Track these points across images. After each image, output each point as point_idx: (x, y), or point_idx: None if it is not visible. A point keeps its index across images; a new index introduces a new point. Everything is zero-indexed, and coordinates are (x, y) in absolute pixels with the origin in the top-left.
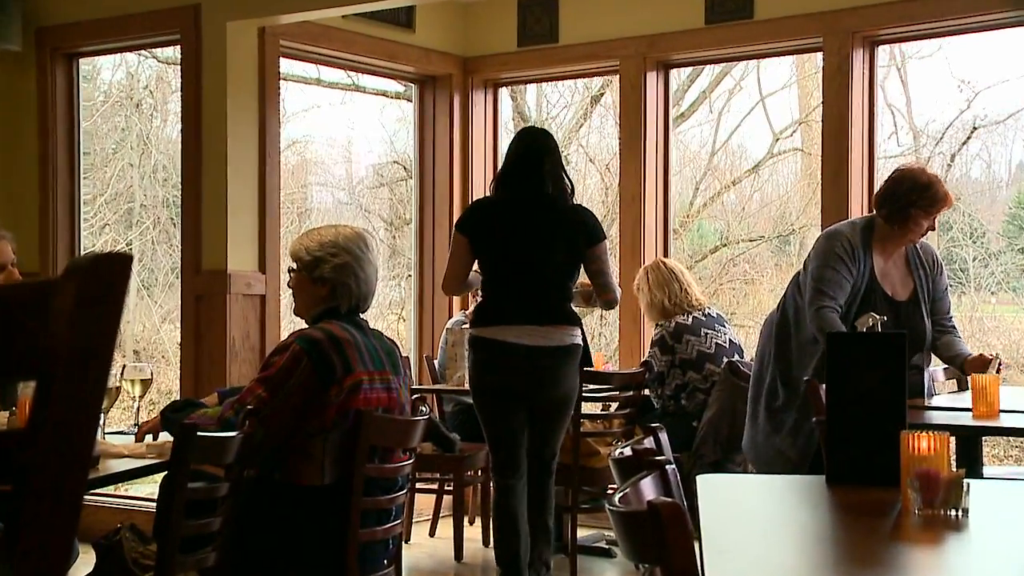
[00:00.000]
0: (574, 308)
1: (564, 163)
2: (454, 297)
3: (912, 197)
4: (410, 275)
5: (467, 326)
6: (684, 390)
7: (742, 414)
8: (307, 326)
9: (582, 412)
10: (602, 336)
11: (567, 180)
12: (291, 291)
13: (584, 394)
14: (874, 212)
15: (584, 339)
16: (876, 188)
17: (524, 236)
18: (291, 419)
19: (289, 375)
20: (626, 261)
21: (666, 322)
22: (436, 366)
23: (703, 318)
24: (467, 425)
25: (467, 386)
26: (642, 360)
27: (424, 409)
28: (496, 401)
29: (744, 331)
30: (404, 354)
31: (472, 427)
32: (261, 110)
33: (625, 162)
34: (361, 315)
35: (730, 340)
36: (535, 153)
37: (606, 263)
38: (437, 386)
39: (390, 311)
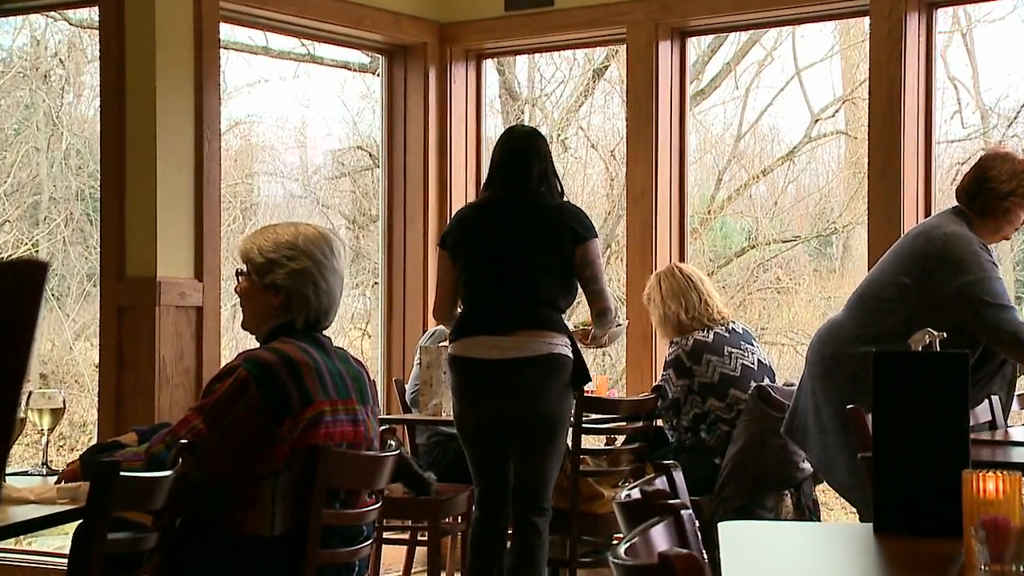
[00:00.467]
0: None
1: (555, 167)
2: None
3: (1011, 185)
4: (376, 283)
5: (445, 343)
6: (704, 420)
7: (774, 449)
8: (257, 345)
9: (582, 447)
10: (606, 356)
11: (558, 185)
12: (238, 299)
13: (584, 425)
14: (956, 205)
15: (576, 352)
16: (934, 178)
17: (501, 237)
18: (235, 458)
19: (233, 405)
20: (634, 267)
21: (682, 339)
22: (407, 391)
23: (726, 334)
24: (444, 461)
25: (444, 415)
26: (654, 385)
27: (393, 443)
28: (470, 433)
29: (776, 350)
30: (371, 378)
31: (451, 464)
32: (198, 84)
33: (633, 148)
34: (322, 332)
35: (759, 360)
36: (521, 157)
37: (599, 268)
38: (408, 415)
39: (352, 325)
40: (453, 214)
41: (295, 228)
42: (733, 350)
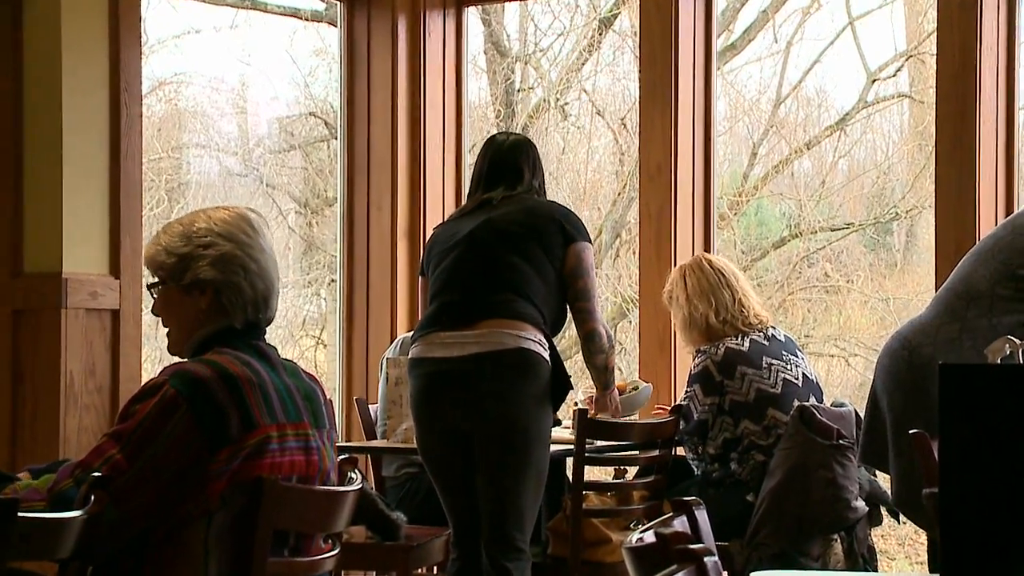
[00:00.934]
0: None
1: (545, 178)
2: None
3: None
4: (333, 280)
5: None
6: (735, 448)
7: (820, 483)
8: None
9: (584, 481)
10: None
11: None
12: (159, 319)
13: (588, 454)
14: None
15: (556, 355)
16: (1017, 151)
17: (475, 225)
18: (160, 495)
19: (158, 431)
20: (649, 261)
21: (711, 347)
22: (372, 413)
23: (765, 342)
24: (417, 499)
25: (415, 440)
26: (674, 404)
27: (355, 476)
28: (435, 458)
29: (823, 362)
30: (327, 396)
31: (424, 502)
32: (113, 35)
33: (648, 116)
34: (264, 338)
35: (804, 375)
36: (507, 171)
37: (593, 281)
38: (373, 443)
39: (304, 333)
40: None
41: (203, 214)
42: (773, 361)
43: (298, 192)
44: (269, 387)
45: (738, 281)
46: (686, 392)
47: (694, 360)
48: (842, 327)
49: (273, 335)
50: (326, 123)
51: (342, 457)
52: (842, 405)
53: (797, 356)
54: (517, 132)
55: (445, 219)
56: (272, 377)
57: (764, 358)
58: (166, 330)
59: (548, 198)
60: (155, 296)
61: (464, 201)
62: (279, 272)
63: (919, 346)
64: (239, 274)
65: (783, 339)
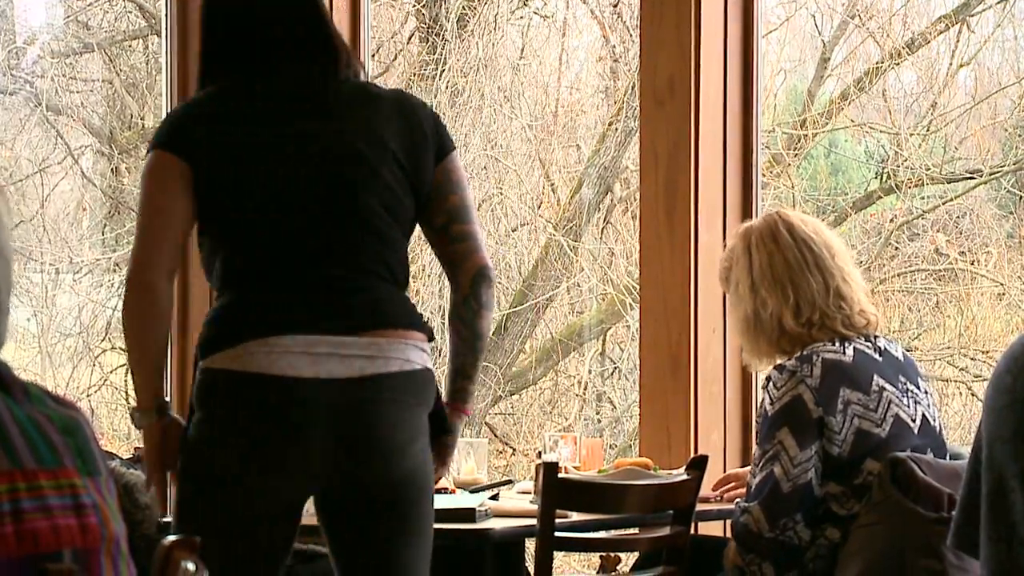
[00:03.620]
0: None
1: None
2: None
3: None
4: None
5: None
6: (810, 518)
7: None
8: None
9: (552, 574)
10: (603, 399)
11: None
12: None
13: (559, 534)
14: None
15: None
16: None
17: (310, 145)
18: None
19: None
20: (653, 229)
21: (800, 363)
22: None
23: (877, 356)
24: None
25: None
26: (692, 457)
27: (192, 568)
28: (250, 524)
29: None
30: (102, 433)
31: None
32: None
33: (652, 6)
34: None
35: (924, 418)
36: (307, 17)
37: (469, 192)
38: None
39: (108, 345)
40: (176, 109)
41: None
42: (886, 386)
43: (98, 121)
44: (5, 419)
45: (835, 257)
46: (764, 449)
47: (770, 385)
48: (963, 334)
49: (54, 348)
50: (142, 9)
51: (173, 538)
52: (960, 457)
53: (919, 388)
54: None
55: (208, 93)
56: (9, 406)
57: (875, 378)
58: None
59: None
60: None
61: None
62: (11, 253)
63: None
64: None
65: (901, 357)
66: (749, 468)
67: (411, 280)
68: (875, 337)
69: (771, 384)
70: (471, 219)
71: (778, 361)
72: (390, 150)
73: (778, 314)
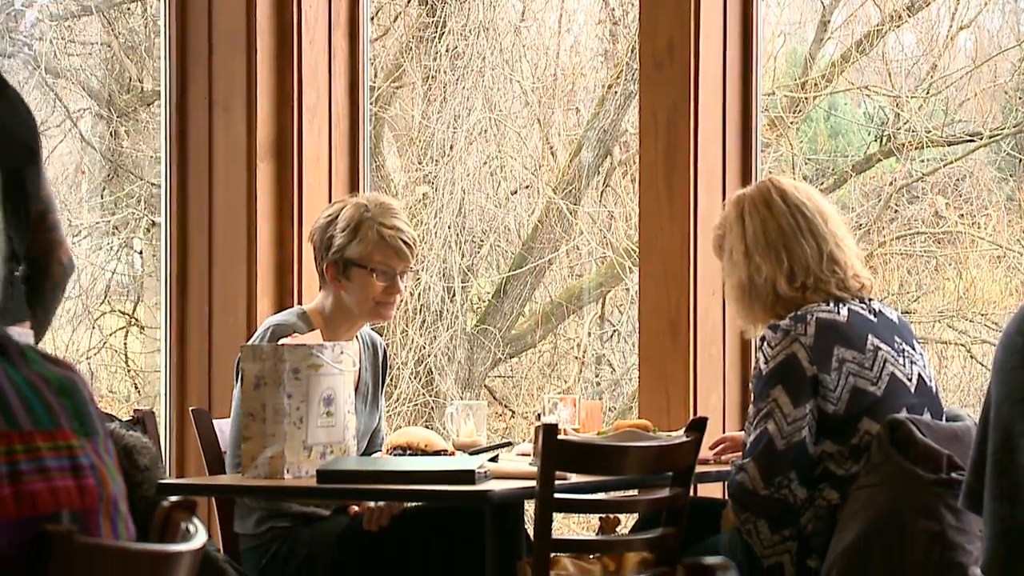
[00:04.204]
0: None
1: None
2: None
3: None
4: (155, 223)
5: (291, 340)
6: (805, 477)
7: (919, 539)
8: None
9: (552, 536)
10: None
11: None
12: None
13: (558, 495)
14: None
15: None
16: None
17: None
18: None
19: None
20: (653, 193)
21: (794, 322)
22: (219, 434)
23: (871, 316)
24: (288, 567)
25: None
26: (692, 419)
27: (193, 528)
28: None
29: (934, 352)
30: (101, 395)
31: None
32: None
33: None
34: None
35: (920, 377)
36: None
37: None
38: (220, 479)
39: (108, 308)
40: None
41: None
42: (881, 346)
43: (96, 84)
44: (1, 381)
45: (828, 223)
46: (758, 407)
47: (764, 344)
48: (962, 297)
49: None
50: None
51: (175, 500)
52: (958, 418)
53: (914, 348)
54: None
55: None
56: (3, 367)
57: (870, 338)
58: None
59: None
60: None
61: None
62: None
63: None
64: None
65: (895, 319)
66: (744, 428)
67: None
68: (869, 300)
69: (765, 343)
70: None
71: (772, 321)
72: None
73: (772, 279)
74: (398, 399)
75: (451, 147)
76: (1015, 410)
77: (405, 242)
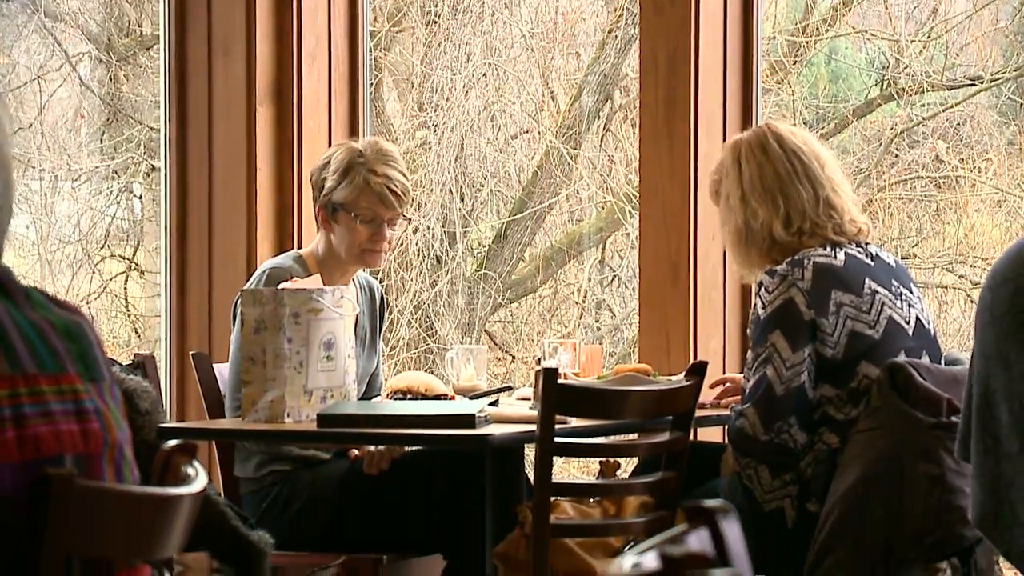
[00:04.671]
0: None
1: None
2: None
3: None
4: (154, 168)
5: (290, 284)
6: (801, 423)
7: (919, 483)
8: None
9: (552, 480)
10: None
11: None
12: None
13: (559, 439)
14: None
15: None
16: None
17: None
18: None
19: None
20: (653, 137)
21: (791, 267)
22: (219, 378)
23: (868, 261)
24: (288, 511)
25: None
26: (692, 363)
27: (193, 471)
28: None
29: (934, 297)
30: (104, 340)
31: (301, 515)
32: None
33: None
34: None
35: (918, 320)
36: None
37: None
38: (220, 423)
39: (108, 252)
40: None
41: None
42: (879, 289)
43: (95, 27)
44: (7, 324)
45: (824, 168)
46: (757, 352)
47: (762, 290)
48: (963, 241)
49: (54, 256)
50: None
51: (174, 444)
52: (957, 362)
53: (912, 292)
54: None
55: None
56: (9, 310)
57: (867, 281)
58: None
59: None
60: None
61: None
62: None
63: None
64: None
65: (892, 263)
66: (743, 373)
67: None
68: (866, 244)
69: (763, 288)
70: None
71: (768, 267)
72: None
73: (768, 224)
74: (398, 345)
75: (451, 92)
76: (989, 365)
77: (392, 190)
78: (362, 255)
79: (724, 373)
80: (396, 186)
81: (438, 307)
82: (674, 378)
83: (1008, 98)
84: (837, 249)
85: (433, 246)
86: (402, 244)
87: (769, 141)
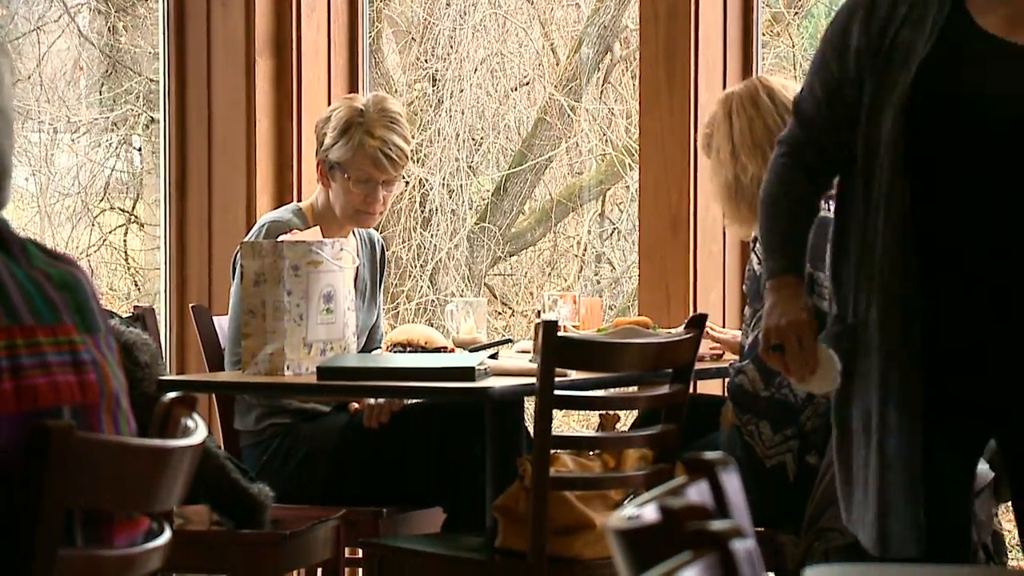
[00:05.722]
0: None
1: None
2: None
3: None
4: (153, 120)
5: (289, 236)
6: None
7: None
8: None
9: (552, 433)
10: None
11: None
12: None
13: (558, 392)
14: None
15: None
16: None
17: None
18: None
19: None
20: (653, 90)
21: None
22: (218, 330)
23: None
24: (289, 464)
25: (289, 373)
26: (693, 314)
27: (192, 424)
28: None
29: None
30: (102, 293)
31: (302, 467)
32: None
33: None
34: None
35: None
36: None
37: None
38: (220, 375)
39: (107, 205)
40: None
41: None
42: None
43: None
44: (2, 275)
45: None
46: (755, 308)
47: (756, 245)
48: None
49: (53, 208)
50: None
51: (173, 396)
52: None
53: None
54: None
55: None
56: (4, 262)
57: None
58: None
59: None
60: None
61: None
62: (12, 107)
63: None
64: None
65: None
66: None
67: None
68: None
69: (758, 244)
70: None
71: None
72: None
73: (758, 179)
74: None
75: (451, 44)
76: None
77: (387, 154)
78: (356, 215)
79: (724, 325)
80: (391, 150)
81: (440, 260)
82: (674, 331)
83: None
84: (830, 202)
85: (433, 199)
86: (385, 208)
87: (760, 95)
